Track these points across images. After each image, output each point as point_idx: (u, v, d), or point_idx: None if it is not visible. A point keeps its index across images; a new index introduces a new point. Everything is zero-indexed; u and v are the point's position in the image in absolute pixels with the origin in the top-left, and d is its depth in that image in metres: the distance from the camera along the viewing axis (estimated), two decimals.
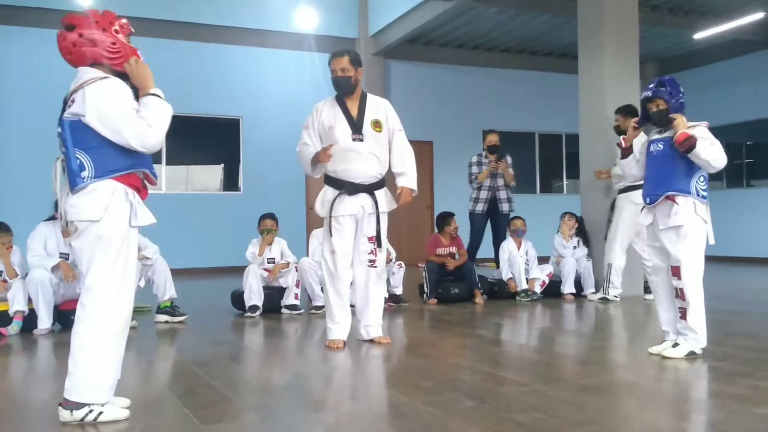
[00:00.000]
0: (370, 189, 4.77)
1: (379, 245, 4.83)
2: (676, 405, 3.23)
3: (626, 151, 4.51)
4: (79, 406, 2.87)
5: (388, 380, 3.91)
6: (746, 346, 4.58)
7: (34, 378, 4.25)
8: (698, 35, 12.40)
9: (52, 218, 5.85)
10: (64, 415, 2.87)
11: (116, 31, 3.02)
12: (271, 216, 6.92)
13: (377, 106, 4.86)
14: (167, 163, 12.35)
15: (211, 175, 13.34)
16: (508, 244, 7.74)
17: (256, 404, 3.28)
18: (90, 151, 2.89)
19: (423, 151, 13.88)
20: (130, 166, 2.94)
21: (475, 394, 3.31)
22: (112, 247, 2.89)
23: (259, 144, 12.88)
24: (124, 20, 3.09)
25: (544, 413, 2.94)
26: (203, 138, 12.93)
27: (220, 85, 12.60)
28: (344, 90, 4.79)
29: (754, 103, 13.45)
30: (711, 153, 4.04)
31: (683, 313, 4.15)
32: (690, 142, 4.04)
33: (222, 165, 13.30)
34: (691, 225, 4.12)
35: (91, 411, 2.86)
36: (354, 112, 4.76)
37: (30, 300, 5.57)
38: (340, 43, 13.52)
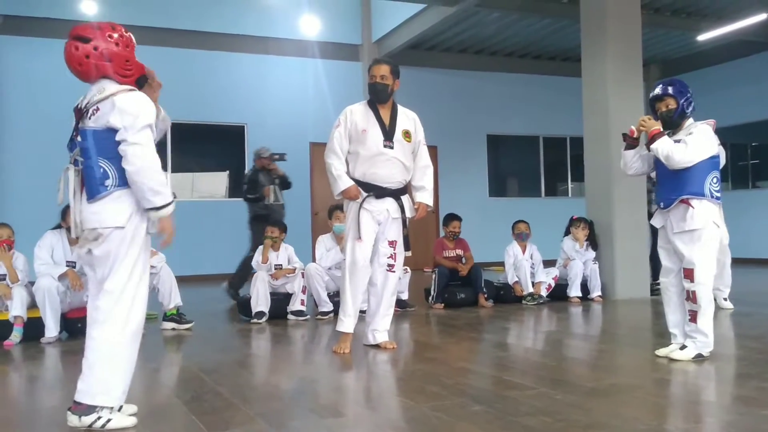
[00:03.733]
0: (396, 193, 4.84)
1: (408, 248, 4.96)
2: (684, 407, 3.22)
3: (633, 142, 4.44)
4: (90, 410, 2.88)
5: (394, 385, 3.91)
6: (754, 348, 4.57)
7: (41, 386, 4.26)
8: (701, 37, 12.38)
9: (59, 227, 5.87)
10: (73, 420, 2.89)
11: (127, 47, 3.06)
12: (275, 223, 6.94)
13: (407, 117, 4.96)
14: (173, 171, 12.36)
15: (217, 181, 13.36)
16: (513, 248, 7.73)
17: (263, 411, 3.29)
18: (114, 161, 2.94)
19: None
20: None
21: (481, 399, 3.31)
22: (133, 253, 2.97)
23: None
24: (129, 34, 3.11)
25: (551, 417, 2.94)
26: (209, 145, 12.96)
27: (225, 93, 12.63)
28: (380, 97, 4.84)
29: (759, 104, 13.42)
30: (665, 149, 4.09)
31: (693, 316, 4.13)
32: (654, 139, 4.12)
33: (227, 172, 13.32)
34: (705, 228, 4.12)
35: (99, 417, 2.88)
36: (386, 119, 4.83)
37: (31, 307, 5.59)
38: (344, 50, 13.58)
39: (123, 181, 2.94)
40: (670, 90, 4.24)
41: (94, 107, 2.96)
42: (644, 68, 8.46)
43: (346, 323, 4.78)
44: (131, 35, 3.12)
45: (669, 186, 4.22)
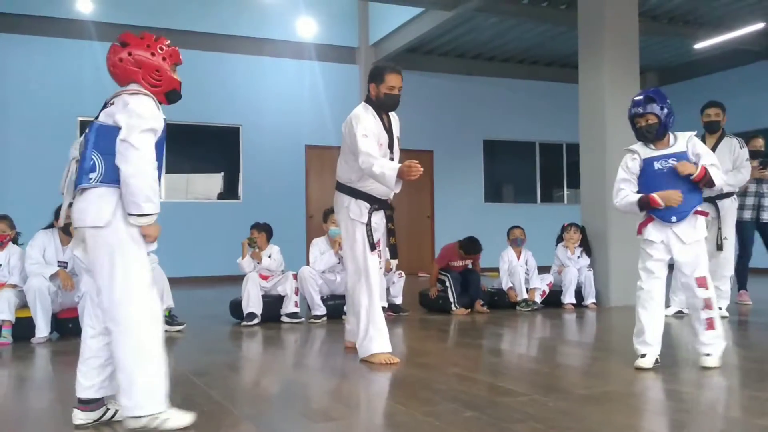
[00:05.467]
0: (388, 205, 4.76)
1: (395, 256, 4.87)
2: (676, 416, 3.20)
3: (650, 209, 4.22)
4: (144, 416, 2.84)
5: (386, 390, 3.89)
6: (747, 356, 4.56)
7: (31, 387, 4.21)
8: (698, 45, 12.42)
9: (51, 226, 5.84)
10: (132, 423, 2.85)
11: (164, 59, 3.05)
12: (256, 226, 6.87)
13: (395, 121, 4.81)
14: (167, 171, 12.32)
15: (211, 183, 13.34)
16: (508, 254, 7.72)
17: (253, 414, 3.26)
18: (106, 156, 2.89)
19: (423, 160, 13.70)
20: None
21: (474, 405, 3.29)
22: (126, 252, 2.88)
23: (258, 152, 12.88)
24: (174, 48, 3.12)
25: (542, 424, 2.92)
26: (203, 146, 12.93)
27: (220, 94, 12.61)
28: (393, 109, 4.70)
29: (755, 113, 13.45)
30: (720, 179, 4.09)
31: (710, 323, 4.09)
32: (707, 178, 4.05)
33: (222, 173, 13.30)
34: (704, 235, 4.16)
35: (156, 418, 2.84)
36: (387, 126, 4.65)
37: (21, 307, 5.56)
38: (341, 53, 13.58)
39: (110, 178, 2.87)
40: (650, 107, 4.19)
41: (111, 102, 2.97)
42: (641, 76, 8.46)
43: (383, 342, 4.48)
44: (177, 51, 3.12)
45: (683, 199, 4.12)
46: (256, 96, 12.92)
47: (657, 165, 4.20)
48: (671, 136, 4.26)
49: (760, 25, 11.38)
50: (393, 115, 4.78)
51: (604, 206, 7.78)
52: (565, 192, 15.48)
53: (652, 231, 4.24)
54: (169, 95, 3.11)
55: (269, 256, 6.76)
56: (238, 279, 6.64)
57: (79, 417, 2.95)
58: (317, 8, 13.09)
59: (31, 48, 11.25)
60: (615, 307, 7.57)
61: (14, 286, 5.65)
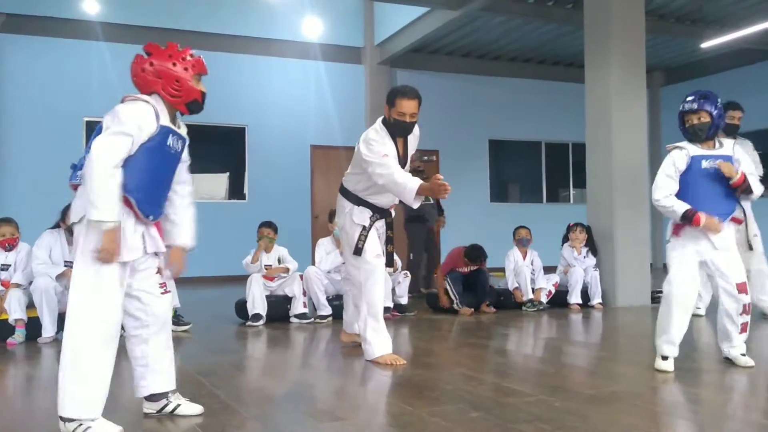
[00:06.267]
0: (389, 214, 4.78)
1: (390, 264, 4.81)
2: (682, 416, 3.19)
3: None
4: (70, 419, 2.81)
5: (392, 390, 3.88)
6: (752, 357, 4.53)
7: (37, 386, 4.23)
8: (705, 44, 12.35)
9: (57, 226, 5.87)
10: (60, 426, 2.84)
11: (186, 69, 3.06)
12: (269, 224, 6.89)
13: (414, 138, 4.72)
14: None
15: (217, 183, 13.35)
16: (514, 254, 7.71)
17: (259, 414, 3.26)
18: None
19: None
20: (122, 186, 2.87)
21: (479, 405, 3.28)
22: (85, 255, 2.84)
23: (264, 152, 12.89)
24: (199, 58, 3.13)
25: (549, 424, 2.91)
26: (209, 146, 12.93)
27: (226, 94, 12.60)
28: (405, 134, 4.58)
29: (763, 112, 13.39)
30: (758, 188, 4.12)
31: (744, 328, 4.13)
32: (746, 185, 4.06)
33: (227, 173, 13.31)
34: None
35: (80, 425, 2.81)
36: (401, 150, 4.58)
37: (29, 306, 5.59)
38: (346, 53, 13.57)
39: None
40: (705, 105, 4.13)
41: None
42: (648, 75, 8.44)
43: (388, 343, 4.52)
44: (201, 60, 3.14)
45: (724, 199, 4.13)
46: (262, 96, 12.93)
47: (705, 164, 4.12)
48: (717, 140, 4.22)
49: (766, 24, 11.32)
50: (414, 132, 4.66)
51: (610, 206, 7.77)
52: (571, 192, 15.45)
53: (689, 233, 4.14)
54: (190, 106, 3.11)
55: (278, 260, 6.78)
56: (244, 279, 6.64)
57: (145, 406, 3.16)
58: (323, 8, 13.08)
59: (37, 49, 11.27)
60: (621, 307, 7.55)
61: (18, 285, 5.68)
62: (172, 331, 6.00)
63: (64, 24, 11.52)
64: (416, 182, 4.21)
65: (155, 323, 3.08)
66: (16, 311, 5.49)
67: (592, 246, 7.81)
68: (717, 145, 4.20)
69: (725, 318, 4.18)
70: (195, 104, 3.12)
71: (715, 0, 11.06)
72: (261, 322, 6.42)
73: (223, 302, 8.11)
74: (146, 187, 2.95)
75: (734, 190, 4.10)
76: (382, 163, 4.30)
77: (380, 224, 4.71)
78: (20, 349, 5.29)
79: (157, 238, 3.08)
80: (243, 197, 12.97)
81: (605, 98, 7.93)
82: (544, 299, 7.48)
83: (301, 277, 6.69)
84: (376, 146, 4.37)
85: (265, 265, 6.75)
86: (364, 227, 4.56)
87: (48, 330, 5.50)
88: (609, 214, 7.78)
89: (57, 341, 5.56)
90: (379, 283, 4.54)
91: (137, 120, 2.88)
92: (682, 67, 15.05)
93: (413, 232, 8.70)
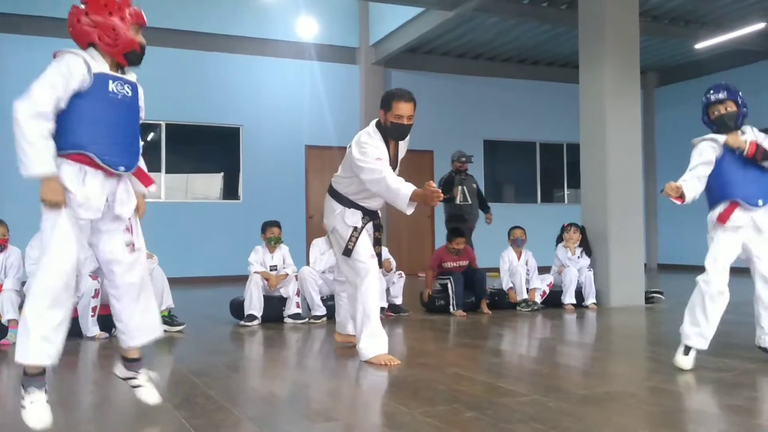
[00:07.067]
0: (377, 216, 4.78)
1: (379, 266, 4.83)
2: (676, 416, 3.20)
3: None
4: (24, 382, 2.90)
5: (387, 391, 3.88)
6: (747, 357, 4.55)
7: None
8: (699, 45, 12.41)
9: None
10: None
11: (122, 18, 2.98)
12: (278, 224, 6.88)
13: (404, 144, 4.72)
14: (167, 172, 12.33)
15: (211, 183, 13.33)
16: (509, 254, 7.72)
17: (253, 414, 3.26)
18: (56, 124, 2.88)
19: (423, 160, 13.89)
20: (73, 146, 2.87)
21: (474, 405, 3.28)
22: (43, 215, 2.88)
23: (259, 152, 12.88)
24: (137, 9, 3.05)
25: (543, 424, 2.92)
26: (203, 146, 12.93)
27: (221, 94, 12.60)
28: (403, 137, 4.57)
29: (756, 113, 13.41)
30: None
31: None
32: (761, 149, 4.07)
33: (222, 173, 13.29)
34: None
35: (28, 394, 2.88)
36: (392, 152, 4.56)
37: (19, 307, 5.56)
38: (341, 53, 13.57)
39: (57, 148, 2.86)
40: (730, 93, 4.21)
41: None
42: (641, 75, 8.46)
43: (384, 343, 4.51)
44: (139, 12, 3.05)
45: (762, 182, 4.16)
46: (257, 96, 12.91)
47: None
48: (740, 129, 4.29)
49: (760, 25, 11.37)
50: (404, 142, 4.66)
51: (604, 206, 7.79)
52: (566, 192, 15.48)
53: (738, 216, 4.15)
54: (128, 56, 3.02)
55: (283, 261, 6.78)
56: (238, 279, 6.64)
57: (116, 368, 3.29)
58: (318, 8, 13.08)
59: (31, 48, 11.23)
60: (615, 307, 7.57)
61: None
62: (166, 331, 6.04)
63: (60, 23, 11.43)
64: (410, 188, 4.17)
65: (122, 285, 3.06)
66: (9, 312, 5.47)
67: (586, 246, 7.83)
68: (741, 134, 4.25)
69: (759, 304, 4.25)
70: (133, 54, 3.04)
71: (709, 1, 11.09)
72: (256, 322, 6.41)
73: (218, 302, 8.10)
74: (103, 137, 2.91)
75: (765, 171, 4.12)
76: (375, 168, 4.28)
77: (369, 226, 4.71)
78: (14, 349, 5.27)
79: (125, 201, 3.04)
80: (237, 197, 12.95)
81: (599, 99, 7.95)
82: (538, 299, 7.50)
83: (296, 277, 6.68)
84: (370, 149, 4.36)
85: (271, 266, 6.73)
86: (355, 228, 4.57)
87: None
88: (603, 214, 7.80)
89: None
90: (374, 284, 4.54)
91: (61, 70, 2.84)
92: (676, 67, 15.09)
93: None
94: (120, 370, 3.24)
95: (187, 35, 12.35)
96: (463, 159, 8.84)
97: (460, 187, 8.67)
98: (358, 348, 4.56)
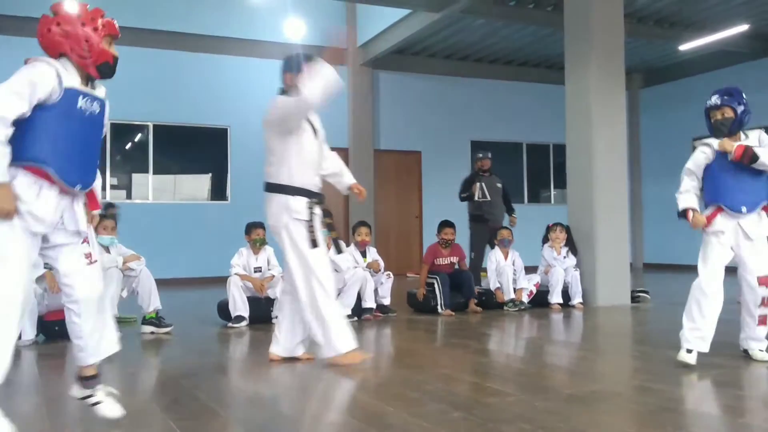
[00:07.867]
0: (323, 199, 4.57)
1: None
2: (662, 415, 3.23)
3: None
4: None
5: (374, 391, 3.89)
6: (733, 355, 4.59)
7: (16, 390, 4.19)
8: (683, 47, 12.50)
9: None
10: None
11: (95, 29, 2.91)
12: (262, 225, 6.86)
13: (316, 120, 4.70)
14: (154, 173, 12.29)
15: (199, 184, 13.29)
16: (496, 254, 7.75)
17: (240, 416, 3.26)
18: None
19: (411, 160, 13.91)
20: (33, 159, 2.75)
21: (461, 405, 3.30)
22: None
23: (246, 153, 12.82)
24: (109, 19, 2.99)
25: (530, 424, 2.94)
26: (191, 147, 12.88)
27: (209, 95, 12.56)
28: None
29: None
30: (765, 155, 4.12)
31: (763, 320, 4.24)
32: (749, 152, 4.09)
33: (210, 174, 13.25)
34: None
35: None
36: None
37: None
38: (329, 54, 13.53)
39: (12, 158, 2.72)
40: (727, 99, 4.21)
41: None
42: (627, 77, 8.52)
43: (352, 338, 4.39)
44: (112, 22, 2.99)
45: (749, 190, 4.20)
46: (245, 97, 12.87)
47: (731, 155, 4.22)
48: (743, 133, 4.29)
49: (744, 27, 11.47)
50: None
51: (591, 206, 7.83)
52: (552, 192, 15.54)
53: (721, 221, 4.24)
54: (101, 68, 2.94)
55: (267, 263, 6.76)
56: (226, 280, 6.59)
57: (73, 388, 3.09)
58: (305, 9, 13.06)
59: (18, 49, 11.16)
60: (601, 306, 7.61)
61: None
62: (154, 333, 6.03)
63: (36, 24, 11.38)
64: (333, 71, 4.30)
65: (81, 300, 2.94)
66: None
67: (572, 246, 7.87)
68: (743, 137, 4.27)
69: (744, 309, 4.30)
70: (106, 66, 2.96)
71: (694, 3, 11.17)
72: (244, 323, 6.39)
73: (205, 303, 8.08)
74: (65, 155, 2.81)
75: (759, 183, 4.17)
76: (287, 100, 4.41)
77: (317, 211, 4.47)
78: None
79: (80, 216, 2.94)
80: (225, 198, 12.92)
81: (585, 100, 7.99)
82: (525, 299, 7.53)
83: (282, 277, 6.66)
84: (272, 102, 4.50)
85: (255, 267, 6.70)
86: (307, 221, 4.36)
87: (28, 333, 5.43)
88: (589, 214, 7.84)
89: (37, 344, 5.52)
90: (330, 277, 4.38)
91: (30, 77, 2.74)
92: (661, 69, 15.19)
93: (475, 232, 8.62)
94: (76, 390, 3.09)
95: (175, 36, 12.30)
96: (480, 156, 8.90)
97: (478, 184, 8.61)
98: (324, 347, 4.35)
